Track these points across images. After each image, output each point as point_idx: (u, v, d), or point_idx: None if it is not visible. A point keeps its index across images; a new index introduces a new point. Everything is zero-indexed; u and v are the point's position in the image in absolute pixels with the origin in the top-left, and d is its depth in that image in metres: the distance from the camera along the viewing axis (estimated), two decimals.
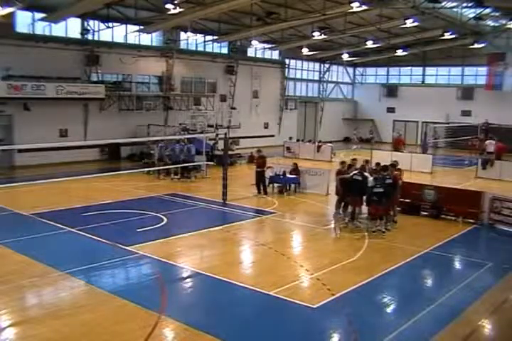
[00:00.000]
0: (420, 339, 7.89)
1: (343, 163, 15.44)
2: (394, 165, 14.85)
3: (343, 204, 14.81)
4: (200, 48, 31.55)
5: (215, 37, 30.72)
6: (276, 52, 36.65)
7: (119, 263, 10.95)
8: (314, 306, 8.81)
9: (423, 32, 32.86)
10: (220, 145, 23.75)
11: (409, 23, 27.10)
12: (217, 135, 24.88)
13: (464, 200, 15.22)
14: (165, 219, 14.65)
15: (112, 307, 8.61)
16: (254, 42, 30.43)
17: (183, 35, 29.30)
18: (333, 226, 14.31)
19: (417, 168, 24.70)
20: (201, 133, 24.64)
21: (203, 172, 22.25)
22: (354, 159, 15.85)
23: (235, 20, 28.85)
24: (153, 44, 29.27)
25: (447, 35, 31.11)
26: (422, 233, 14.15)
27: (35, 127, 23.09)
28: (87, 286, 9.60)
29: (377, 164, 15.60)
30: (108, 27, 25.86)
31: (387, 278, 10.49)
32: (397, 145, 29.78)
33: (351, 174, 14.34)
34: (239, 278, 10.19)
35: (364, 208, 14.45)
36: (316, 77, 41.78)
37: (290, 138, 32.95)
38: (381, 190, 13.49)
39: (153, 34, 28.69)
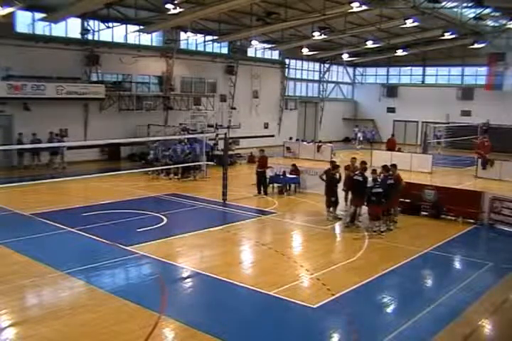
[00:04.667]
0: (420, 339, 7.89)
1: (332, 162, 16.02)
2: (395, 165, 14.90)
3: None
4: (200, 48, 31.54)
5: (215, 37, 30.69)
6: (276, 52, 36.64)
7: (119, 263, 10.95)
8: (314, 306, 8.81)
9: (423, 32, 32.84)
10: (220, 145, 23.77)
11: (409, 23, 27.08)
12: (217, 135, 24.88)
13: (464, 200, 15.22)
14: (165, 219, 14.65)
15: (112, 307, 8.60)
16: (254, 42, 30.44)
17: (183, 35, 29.28)
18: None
19: (417, 168, 24.74)
20: (201, 133, 24.64)
21: (203, 172, 22.24)
22: (353, 158, 15.99)
23: (235, 20, 28.83)
24: (153, 44, 29.26)
25: (447, 35, 31.06)
26: (422, 233, 14.15)
27: (35, 127, 23.05)
28: (87, 286, 9.60)
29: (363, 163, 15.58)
30: (108, 27, 25.84)
31: (387, 278, 10.50)
32: (390, 145, 29.68)
33: (352, 174, 14.41)
34: (239, 278, 10.19)
35: (364, 208, 14.45)
36: (316, 77, 41.77)
37: (290, 138, 32.96)
38: (380, 190, 13.52)
39: (153, 34, 28.68)
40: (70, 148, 23.58)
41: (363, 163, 15.42)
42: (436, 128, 35.36)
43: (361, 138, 38.74)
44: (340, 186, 15.40)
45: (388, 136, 33.38)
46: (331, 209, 15.29)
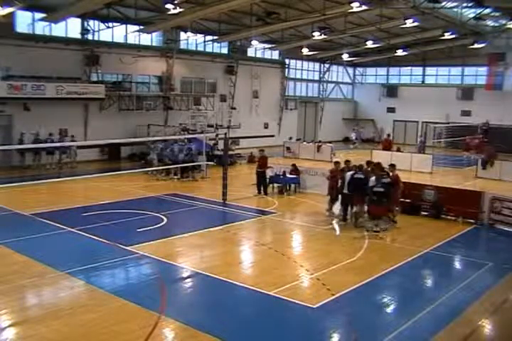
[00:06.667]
0: (420, 339, 7.89)
1: (336, 163, 16.01)
2: (394, 165, 14.89)
3: (337, 204, 15.23)
4: (200, 48, 31.56)
5: (215, 37, 30.71)
6: (276, 52, 36.65)
7: (119, 263, 10.95)
8: (314, 306, 8.80)
9: (423, 32, 32.86)
10: (220, 145, 23.76)
11: (409, 23, 27.10)
12: (217, 135, 24.88)
13: (464, 200, 15.21)
14: (165, 219, 14.65)
15: (112, 307, 8.60)
16: (254, 42, 30.47)
17: (183, 35, 29.30)
18: (334, 225, 14.59)
19: (417, 168, 24.74)
20: (201, 133, 24.64)
21: (203, 173, 22.23)
22: (347, 161, 15.85)
23: (235, 20, 28.85)
24: (153, 44, 29.28)
25: (447, 35, 31.09)
26: (422, 233, 14.13)
27: (35, 127, 23.03)
28: (86, 286, 9.60)
29: (368, 163, 15.55)
30: (108, 27, 25.85)
31: (387, 278, 10.49)
32: (385, 145, 29.64)
33: (352, 173, 14.38)
34: (239, 278, 10.19)
35: (364, 208, 14.45)
36: (316, 77, 41.78)
37: (290, 138, 32.97)
38: (381, 189, 13.52)
39: (153, 34, 28.70)
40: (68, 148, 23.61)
41: (368, 162, 15.43)
42: (437, 128, 35.45)
43: (354, 138, 39.03)
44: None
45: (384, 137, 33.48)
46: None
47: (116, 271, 10.68)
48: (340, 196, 15.07)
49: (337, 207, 15.44)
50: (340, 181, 14.91)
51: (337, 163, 16.06)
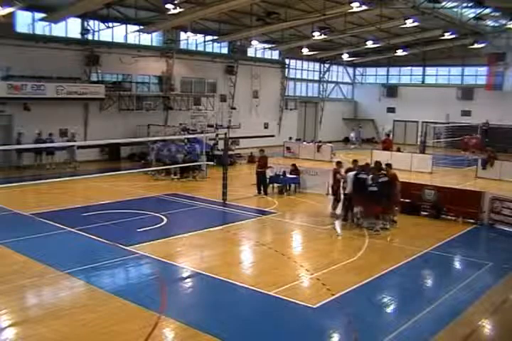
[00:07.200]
0: (420, 339, 7.88)
1: (338, 163, 16.08)
2: (390, 164, 14.86)
3: (340, 204, 15.20)
4: (200, 48, 31.55)
5: (215, 37, 30.72)
6: (276, 52, 36.65)
7: (119, 263, 10.95)
8: (314, 306, 8.80)
9: (423, 32, 32.86)
10: (220, 145, 23.76)
11: (409, 23, 27.13)
12: (217, 135, 24.88)
13: (464, 200, 15.21)
14: (165, 219, 14.65)
15: (112, 307, 8.60)
16: (254, 42, 30.47)
17: (183, 35, 29.28)
18: (336, 225, 14.61)
19: (417, 168, 24.74)
20: (201, 133, 24.64)
21: (203, 173, 22.22)
22: (355, 160, 15.78)
23: (235, 20, 28.85)
24: (153, 44, 29.27)
25: (447, 35, 31.13)
26: (422, 233, 14.14)
27: (35, 127, 23.02)
28: (87, 286, 9.60)
29: (375, 163, 15.54)
30: (108, 27, 25.83)
31: (387, 278, 10.49)
32: (386, 145, 29.57)
33: (355, 172, 14.37)
34: (239, 278, 10.19)
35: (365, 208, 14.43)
36: (316, 77, 41.77)
37: (290, 138, 32.99)
38: (375, 188, 13.55)
39: (153, 34, 28.69)
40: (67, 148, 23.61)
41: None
42: (436, 128, 35.49)
43: (354, 138, 39.11)
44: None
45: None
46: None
47: (116, 271, 10.67)
48: (342, 196, 15.10)
49: (339, 208, 15.44)
50: (342, 181, 14.94)
51: (339, 162, 16.08)
